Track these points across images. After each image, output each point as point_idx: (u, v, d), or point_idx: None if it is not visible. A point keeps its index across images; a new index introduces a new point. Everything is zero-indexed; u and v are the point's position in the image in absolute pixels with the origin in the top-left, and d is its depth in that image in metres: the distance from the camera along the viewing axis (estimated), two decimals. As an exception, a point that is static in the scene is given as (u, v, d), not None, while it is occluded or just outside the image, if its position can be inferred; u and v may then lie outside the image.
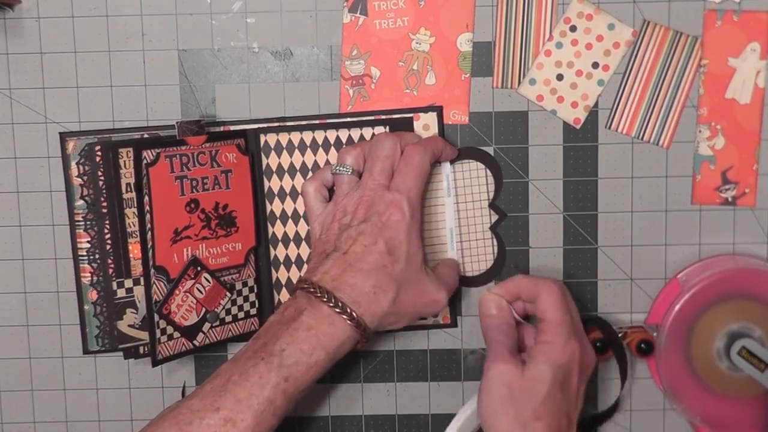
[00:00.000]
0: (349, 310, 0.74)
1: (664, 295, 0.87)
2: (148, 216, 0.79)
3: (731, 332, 0.84)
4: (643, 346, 0.85)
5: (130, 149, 0.80)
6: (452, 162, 0.85)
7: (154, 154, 0.79)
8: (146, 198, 0.79)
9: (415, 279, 0.78)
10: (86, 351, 0.85)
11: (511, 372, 0.76)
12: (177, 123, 0.81)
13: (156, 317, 0.80)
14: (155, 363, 0.81)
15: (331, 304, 0.74)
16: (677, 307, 0.84)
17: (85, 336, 0.85)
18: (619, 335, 0.85)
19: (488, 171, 0.85)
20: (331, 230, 0.79)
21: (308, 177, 0.84)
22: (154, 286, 0.80)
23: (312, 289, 0.75)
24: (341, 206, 0.80)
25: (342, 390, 0.89)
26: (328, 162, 0.85)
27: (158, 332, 0.80)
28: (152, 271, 0.80)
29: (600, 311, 0.88)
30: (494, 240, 0.86)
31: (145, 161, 0.79)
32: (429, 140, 0.82)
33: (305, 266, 0.86)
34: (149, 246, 0.79)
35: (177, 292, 0.81)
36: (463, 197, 0.86)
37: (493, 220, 0.86)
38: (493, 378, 0.76)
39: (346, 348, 0.76)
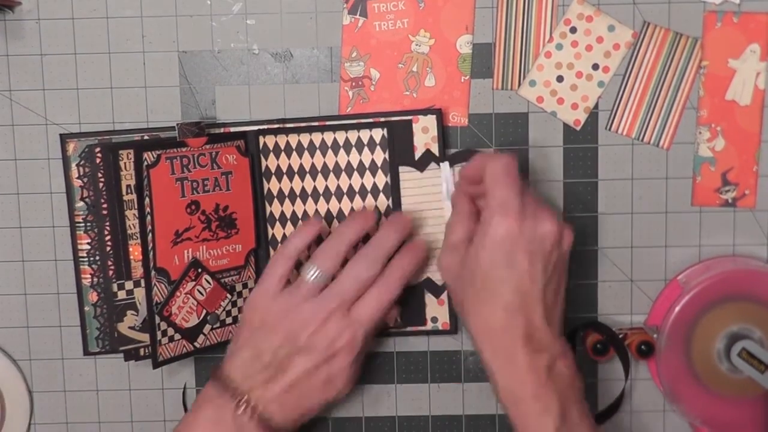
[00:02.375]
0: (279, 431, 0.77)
1: (665, 296, 0.87)
2: (148, 218, 0.79)
3: (731, 334, 0.84)
4: (643, 347, 0.84)
5: (131, 151, 0.80)
6: (451, 164, 0.84)
7: (155, 155, 0.79)
8: (147, 200, 0.79)
9: (338, 398, 0.81)
10: (86, 352, 0.86)
11: (456, 256, 0.78)
12: (177, 125, 0.81)
13: (157, 319, 0.80)
14: (156, 365, 0.81)
15: (266, 430, 0.77)
16: (677, 309, 0.84)
17: (86, 337, 0.85)
18: (620, 336, 0.85)
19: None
20: (274, 333, 0.78)
21: (282, 246, 0.81)
22: (155, 287, 0.80)
23: (248, 412, 0.76)
24: (295, 310, 0.78)
25: (342, 391, 0.89)
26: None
27: (159, 334, 0.80)
28: (153, 272, 0.80)
29: (600, 313, 0.88)
30: None
31: (145, 163, 0.79)
32: (404, 265, 0.81)
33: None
34: (150, 248, 0.79)
35: (178, 293, 0.81)
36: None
37: None
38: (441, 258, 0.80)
39: None
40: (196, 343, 0.83)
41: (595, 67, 0.85)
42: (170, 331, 0.81)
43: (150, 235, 0.79)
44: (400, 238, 0.81)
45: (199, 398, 0.79)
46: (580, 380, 0.75)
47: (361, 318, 0.78)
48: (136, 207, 0.81)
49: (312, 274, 0.79)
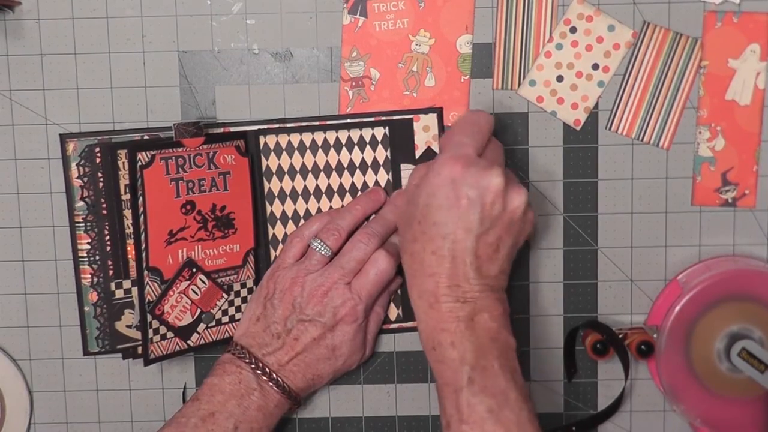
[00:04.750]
0: (294, 395, 0.82)
1: (664, 296, 0.86)
2: (142, 217, 0.79)
3: (731, 333, 0.84)
4: (643, 347, 0.84)
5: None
6: None
7: (149, 156, 0.79)
8: (140, 199, 0.79)
9: (349, 367, 0.85)
10: (86, 352, 0.85)
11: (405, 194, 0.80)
12: (174, 125, 0.81)
13: (149, 317, 0.80)
14: (147, 362, 0.81)
15: (283, 393, 0.81)
16: (677, 309, 0.84)
17: (85, 337, 0.85)
18: (619, 336, 0.85)
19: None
20: (283, 304, 0.82)
21: (300, 227, 0.85)
22: (148, 286, 0.80)
23: (265, 377, 0.80)
24: (300, 282, 0.81)
25: (342, 391, 0.89)
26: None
27: (151, 332, 0.81)
28: (146, 272, 0.80)
29: (600, 312, 0.88)
30: None
31: (139, 163, 0.79)
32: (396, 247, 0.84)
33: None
34: (143, 247, 0.79)
35: (171, 293, 0.81)
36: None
37: None
38: None
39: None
40: (189, 342, 0.83)
41: (595, 66, 0.85)
42: (162, 330, 0.81)
43: (143, 234, 0.79)
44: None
45: (217, 367, 0.82)
46: (509, 337, 0.75)
47: (360, 292, 0.81)
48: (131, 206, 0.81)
49: (317, 247, 0.82)
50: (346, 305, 0.81)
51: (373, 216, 0.85)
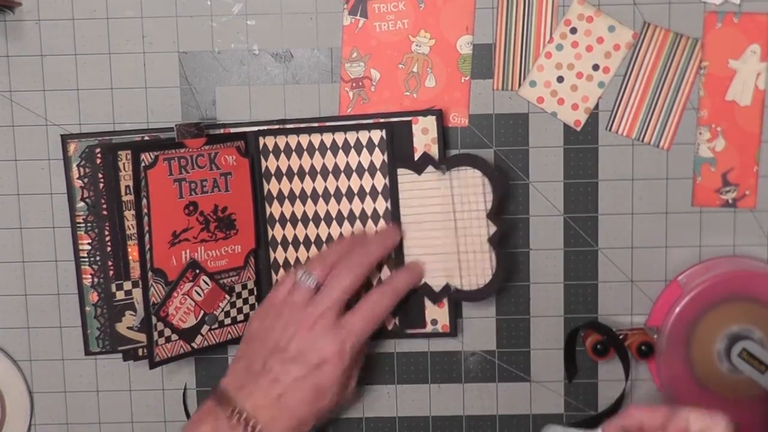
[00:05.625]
0: None
1: (665, 297, 0.86)
2: (146, 218, 0.79)
3: (731, 334, 0.84)
4: (643, 348, 0.84)
5: (129, 152, 0.80)
6: (448, 168, 0.83)
7: (152, 156, 0.79)
8: (144, 200, 0.79)
9: (331, 407, 0.79)
10: (87, 353, 0.86)
11: None
12: (176, 125, 0.81)
13: (153, 319, 0.80)
14: (153, 365, 0.81)
15: None
16: (678, 309, 0.84)
17: (86, 338, 0.85)
18: (620, 337, 0.85)
19: (486, 179, 0.83)
20: (264, 343, 0.78)
21: (294, 270, 0.82)
22: (152, 288, 0.80)
23: (239, 425, 0.74)
24: (284, 319, 0.78)
25: (342, 392, 0.89)
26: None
27: (156, 334, 0.80)
28: (150, 273, 0.80)
29: (600, 313, 0.88)
30: (492, 253, 0.85)
31: (143, 164, 0.79)
32: (398, 282, 0.82)
33: None
34: (147, 248, 0.79)
35: (175, 294, 0.81)
36: (459, 206, 0.84)
37: (491, 232, 0.85)
38: None
39: None
40: (193, 344, 0.83)
41: (596, 67, 0.85)
42: (167, 332, 0.81)
43: (147, 236, 0.79)
44: (384, 245, 0.83)
45: (198, 412, 0.77)
46: None
47: (353, 328, 0.78)
48: (134, 208, 0.81)
49: (301, 277, 0.79)
50: (333, 343, 0.77)
51: (357, 247, 0.82)
